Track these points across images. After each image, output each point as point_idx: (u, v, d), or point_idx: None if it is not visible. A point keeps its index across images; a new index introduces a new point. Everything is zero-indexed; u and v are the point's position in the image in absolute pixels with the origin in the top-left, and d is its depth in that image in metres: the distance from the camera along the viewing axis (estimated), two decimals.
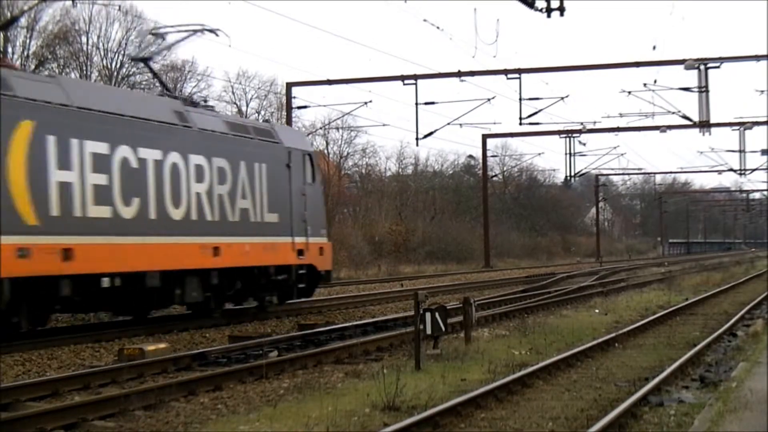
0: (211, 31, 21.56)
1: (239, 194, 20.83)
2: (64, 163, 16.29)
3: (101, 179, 17.04)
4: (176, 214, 18.90)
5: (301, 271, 22.71)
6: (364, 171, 70.26)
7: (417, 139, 42.11)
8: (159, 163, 18.46)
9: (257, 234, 21.36)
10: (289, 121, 39.19)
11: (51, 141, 16.07)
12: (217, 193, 20.12)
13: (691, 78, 38.21)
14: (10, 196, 15.31)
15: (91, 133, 16.91)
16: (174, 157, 18.89)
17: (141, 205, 17.91)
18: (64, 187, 16.23)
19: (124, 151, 17.60)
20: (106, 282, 17.06)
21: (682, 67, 36.80)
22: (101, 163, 17.03)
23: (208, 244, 19.75)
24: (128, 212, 17.63)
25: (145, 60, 24.03)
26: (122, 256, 17.41)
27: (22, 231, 15.42)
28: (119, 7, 49.11)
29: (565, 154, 56.58)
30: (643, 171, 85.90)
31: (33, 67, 44.67)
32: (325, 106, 42.41)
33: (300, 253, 22.73)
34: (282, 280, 22.22)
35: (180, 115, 19.52)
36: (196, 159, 19.48)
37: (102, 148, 17.10)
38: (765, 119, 46.42)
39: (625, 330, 18.54)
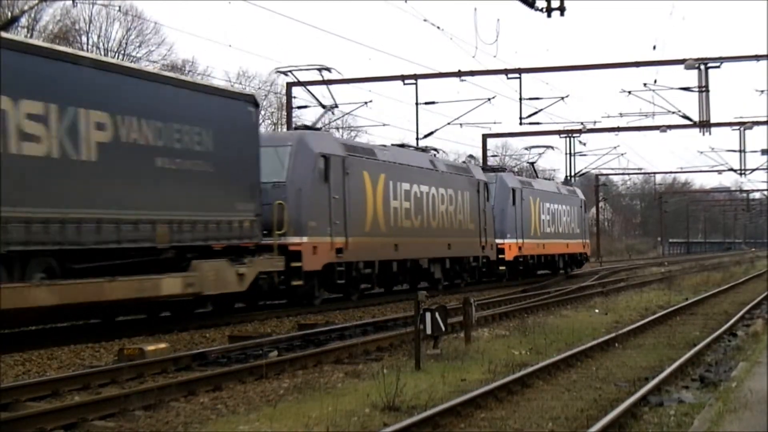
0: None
1: (573, 220, 46.30)
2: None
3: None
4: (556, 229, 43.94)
5: (584, 255, 48.98)
6: None
7: (417, 139, 42.02)
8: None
9: (578, 238, 47.01)
10: (289, 122, 39.19)
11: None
12: (564, 220, 45.00)
13: (691, 78, 38.30)
14: None
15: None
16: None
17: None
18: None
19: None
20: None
21: (682, 67, 36.78)
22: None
23: (563, 243, 44.65)
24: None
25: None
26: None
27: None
28: (119, 7, 49.22)
29: (565, 153, 56.61)
30: (643, 171, 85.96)
31: None
32: (324, 106, 42.22)
33: (584, 246, 48.33)
34: (578, 260, 47.99)
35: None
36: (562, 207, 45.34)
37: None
38: (765, 119, 46.39)
39: (625, 330, 18.54)
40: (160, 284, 17.69)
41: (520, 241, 38.09)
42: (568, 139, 55.33)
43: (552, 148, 46.57)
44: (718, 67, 37.25)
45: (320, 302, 24.44)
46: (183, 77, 23.14)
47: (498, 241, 36.04)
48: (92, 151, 16.34)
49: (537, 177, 46.46)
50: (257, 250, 21.00)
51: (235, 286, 20.02)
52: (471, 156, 39.73)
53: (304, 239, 23.31)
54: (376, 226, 26.50)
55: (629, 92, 41.92)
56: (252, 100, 21.01)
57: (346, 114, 42.04)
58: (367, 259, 25.88)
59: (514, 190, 38.36)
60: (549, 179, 51.68)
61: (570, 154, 56.40)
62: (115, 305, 18.22)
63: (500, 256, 36.12)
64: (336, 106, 28.61)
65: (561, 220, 44.33)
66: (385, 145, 29.68)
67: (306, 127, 26.09)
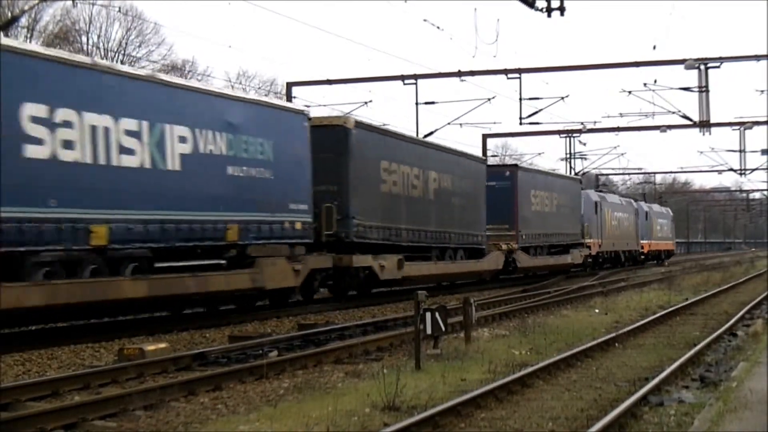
0: None
1: (669, 229, 76.10)
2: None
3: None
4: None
5: (672, 251, 77.51)
6: None
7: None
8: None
9: (670, 240, 75.39)
10: None
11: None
12: (665, 229, 73.31)
13: (691, 78, 38.25)
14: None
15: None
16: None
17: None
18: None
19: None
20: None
21: (682, 67, 36.76)
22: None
23: (664, 243, 72.18)
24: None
25: None
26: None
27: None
28: (119, 8, 49.22)
29: (566, 153, 56.66)
30: (643, 171, 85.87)
31: None
32: (325, 106, 42.27)
33: (673, 245, 76.55)
34: (669, 253, 74.01)
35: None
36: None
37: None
38: (765, 119, 46.38)
39: (625, 330, 18.53)
40: (567, 258, 42.93)
41: (649, 242, 65.54)
42: (568, 139, 55.37)
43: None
44: (718, 67, 37.24)
45: (589, 271, 48.35)
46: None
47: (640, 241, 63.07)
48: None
49: (645, 201, 74.85)
50: (578, 245, 45.35)
51: (579, 260, 45.42)
52: None
53: (591, 240, 48.37)
54: (609, 234, 52.82)
55: (629, 92, 41.95)
56: (579, 181, 48.22)
57: (346, 114, 42.01)
58: (606, 250, 52.63)
59: (647, 213, 65.83)
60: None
61: (570, 154, 56.46)
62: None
63: (641, 249, 62.90)
64: (606, 185, 62.66)
65: (663, 229, 72.34)
66: (603, 190, 59.47)
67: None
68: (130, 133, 17.94)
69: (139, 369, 13.49)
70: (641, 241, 62.45)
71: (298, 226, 22.86)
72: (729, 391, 11.03)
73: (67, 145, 16.52)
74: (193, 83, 23.72)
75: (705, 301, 27.80)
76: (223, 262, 20.43)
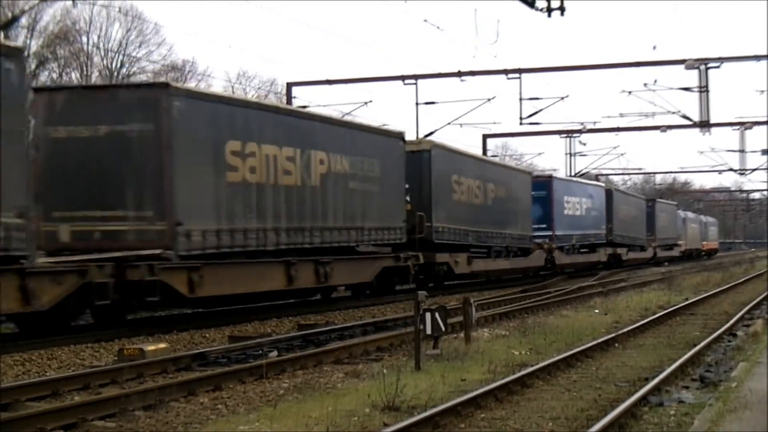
0: None
1: (716, 233, 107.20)
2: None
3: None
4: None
5: (716, 249, 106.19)
6: None
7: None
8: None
9: (715, 242, 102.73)
10: None
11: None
12: (714, 233, 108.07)
13: (692, 78, 38.23)
14: None
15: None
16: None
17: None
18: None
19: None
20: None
21: (682, 67, 36.76)
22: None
23: (712, 243, 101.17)
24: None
25: None
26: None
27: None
28: (119, 8, 49.26)
29: (566, 154, 56.69)
30: (643, 171, 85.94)
31: (33, 67, 44.71)
32: (325, 106, 42.25)
33: (717, 245, 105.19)
34: (714, 252, 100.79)
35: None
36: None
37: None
38: (765, 119, 46.38)
39: (625, 330, 18.54)
40: (673, 252, 73.73)
41: (707, 243, 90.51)
42: (568, 139, 55.37)
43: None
44: (718, 67, 37.23)
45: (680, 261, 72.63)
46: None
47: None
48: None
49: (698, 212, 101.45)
50: (677, 245, 74.03)
51: (677, 254, 74.17)
52: None
53: (682, 242, 76.22)
54: (689, 238, 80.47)
55: (629, 92, 42.01)
56: (676, 205, 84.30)
57: (346, 114, 42.01)
58: (688, 248, 79.16)
59: (705, 223, 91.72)
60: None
61: (570, 154, 56.48)
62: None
63: (702, 248, 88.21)
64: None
65: (714, 233, 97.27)
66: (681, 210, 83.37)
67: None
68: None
69: (139, 369, 13.49)
70: (702, 242, 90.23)
71: (602, 234, 49.71)
72: (729, 391, 11.03)
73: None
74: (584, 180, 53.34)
75: (705, 301, 27.81)
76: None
